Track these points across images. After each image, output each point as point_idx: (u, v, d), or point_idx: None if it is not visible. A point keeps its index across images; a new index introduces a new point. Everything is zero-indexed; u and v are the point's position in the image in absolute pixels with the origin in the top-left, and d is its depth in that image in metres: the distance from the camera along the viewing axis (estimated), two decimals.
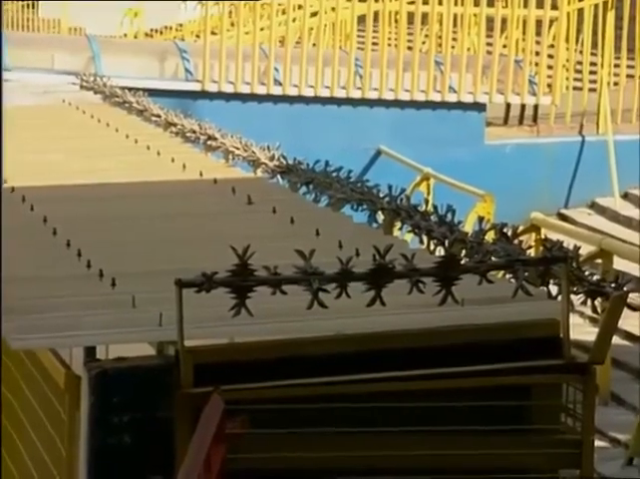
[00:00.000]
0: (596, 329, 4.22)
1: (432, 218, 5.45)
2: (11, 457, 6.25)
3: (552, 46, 16.29)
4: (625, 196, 14.89)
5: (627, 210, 14.57)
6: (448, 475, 4.05)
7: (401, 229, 5.96)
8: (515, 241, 4.79)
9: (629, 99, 16.21)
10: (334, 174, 6.80)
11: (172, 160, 8.15)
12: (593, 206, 14.96)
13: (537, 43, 16.27)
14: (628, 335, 10.12)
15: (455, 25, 16.79)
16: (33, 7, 30.16)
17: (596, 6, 16.73)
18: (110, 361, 4.40)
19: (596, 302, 4.25)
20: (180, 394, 3.95)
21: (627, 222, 14.17)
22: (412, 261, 4.23)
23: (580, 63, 16.92)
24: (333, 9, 17.18)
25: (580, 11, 16.79)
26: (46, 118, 11.39)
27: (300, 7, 16.98)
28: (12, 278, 5.11)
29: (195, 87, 15.32)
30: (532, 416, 4.15)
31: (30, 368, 5.80)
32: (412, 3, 16.72)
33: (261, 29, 16.18)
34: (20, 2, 32.91)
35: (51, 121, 11.15)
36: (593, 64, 16.73)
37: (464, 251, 4.80)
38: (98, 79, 13.30)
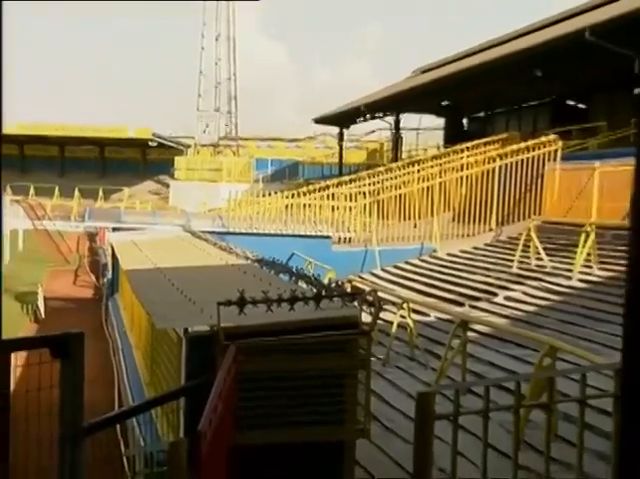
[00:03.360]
0: (370, 318, 4.25)
1: (312, 278, 5.47)
2: (157, 370, 6.07)
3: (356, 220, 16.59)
4: (383, 269, 15.02)
5: (384, 274, 14.67)
6: (310, 372, 3.99)
7: (300, 282, 5.95)
8: (342, 287, 4.82)
9: (389, 234, 16.29)
10: (276, 262, 6.81)
11: (216, 256, 8.09)
12: (371, 273, 15.01)
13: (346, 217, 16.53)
14: (384, 321, 10.08)
15: (333, 211, 16.74)
16: (166, 201, 29.97)
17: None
18: (193, 332, 4.33)
19: (371, 308, 4.26)
20: (219, 345, 3.88)
21: (384, 278, 14.26)
22: (305, 294, 4.24)
23: (365, 224, 16.98)
24: (272, 204, 17.31)
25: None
26: (168, 243, 11.24)
27: (263, 203, 17.08)
28: (154, 301, 5.01)
29: (225, 229, 15.21)
30: (351, 350, 4.12)
31: (164, 335, 5.67)
32: (310, 200, 16.92)
33: (251, 211, 16.13)
34: (157, 196, 32.27)
35: (170, 243, 11.01)
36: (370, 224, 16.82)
37: (323, 290, 4.80)
38: (190, 228, 13.23)
